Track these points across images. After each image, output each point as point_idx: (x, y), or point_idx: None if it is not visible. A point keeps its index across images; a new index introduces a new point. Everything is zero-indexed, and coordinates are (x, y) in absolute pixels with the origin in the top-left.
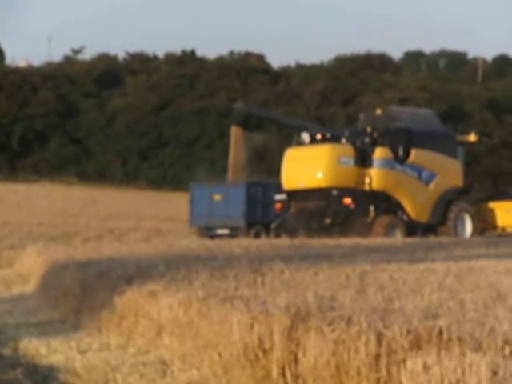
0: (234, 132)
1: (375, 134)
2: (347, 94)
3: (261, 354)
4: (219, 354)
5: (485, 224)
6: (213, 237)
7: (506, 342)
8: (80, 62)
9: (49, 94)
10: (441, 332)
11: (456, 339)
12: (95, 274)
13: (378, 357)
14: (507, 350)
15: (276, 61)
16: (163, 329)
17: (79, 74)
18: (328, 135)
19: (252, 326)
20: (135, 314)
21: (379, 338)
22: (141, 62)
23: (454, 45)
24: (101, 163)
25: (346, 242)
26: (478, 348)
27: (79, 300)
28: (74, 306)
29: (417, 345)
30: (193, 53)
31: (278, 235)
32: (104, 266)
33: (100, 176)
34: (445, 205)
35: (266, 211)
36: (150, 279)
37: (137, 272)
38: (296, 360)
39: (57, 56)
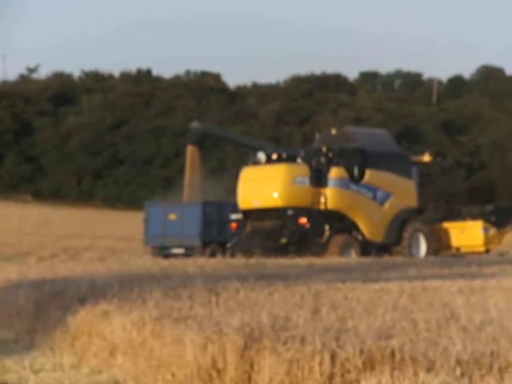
0: (190, 151)
1: (330, 154)
2: (303, 113)
3: (214, 374)
4: (173, 374)
5: (439, 244)
6: (168, 256)
7: (458, 362)
8: (35, 80)
9: (3, 113)
10: (393, 352)
11: (409, 359)
12: (49, 293)
13: (331, 376)
14: (459, 371)
15: (232, 80)
16: (116, 349)
17: (34, 93)
18: (284, 155)
19: (205, 346)
20: (88, 334)
21: (333, 357)
22: (96, 81)
23: (410, 65)
24: (56, 182)
25: (302, 261)
26: (430, 368)
27: (33, 319)
28: (27, 326)
29: (370, 365)
30: (149, 72)
31: (233, 255)
32: (58, 286)
33: (55, 195)
34: (399, 225)
35: (222, 230)
36: (104, 299)
37: (90, 291)
38: (250, 380)
39: (12, 75)
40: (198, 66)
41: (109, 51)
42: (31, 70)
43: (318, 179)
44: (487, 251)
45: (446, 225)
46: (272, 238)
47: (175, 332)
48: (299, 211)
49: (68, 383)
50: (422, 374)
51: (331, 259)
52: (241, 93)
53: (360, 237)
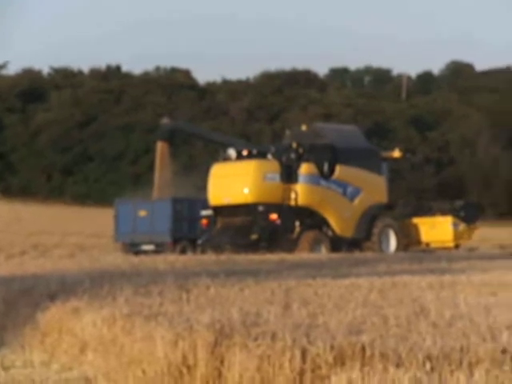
0: (160, 147)
1: (300, 150)
2: (273, 110)
3: (185, 371)
4: (143, 371)
5: (409, 239)
6: (138, 253)
7: (427, 357)
8: (4, 76)
9: None
10: (364, 348)
11: (379, 355)
12: (18, 290)
13: (302, 372)
14: (429, 366)
15: (202, 76)
16: (87, 345)
17: (3, 89)
18: (254, 151)
19: (176, 343)
20: (59, 331)
21: (304, 353)
22: (65, 77)
23: (379, 61)
24: (25, 178)
25: (272, 257)
26: (400, 364)
27: (2, 317)
28: None
29: (341, 360)
30: (118, 68)
31: (204, 251)
32: (27, 283)
33: (24, 191)
34: (369, 220)
35: (193, 227)
36: (74, 295)
37: (60, 288)
38: (220, 376)
39: None
40: (168, 62)
41: (78, 47)
42: (0, 67)
43: (289, 175)
44: (457, 247)
45: (416, 220)
46: (242, 234)
47: (146, 329)
48: (270, 207)
49: (38, 380)
50: (391, 370)
51: (302, 255)
52: (211, 89)
53: (330, 233)
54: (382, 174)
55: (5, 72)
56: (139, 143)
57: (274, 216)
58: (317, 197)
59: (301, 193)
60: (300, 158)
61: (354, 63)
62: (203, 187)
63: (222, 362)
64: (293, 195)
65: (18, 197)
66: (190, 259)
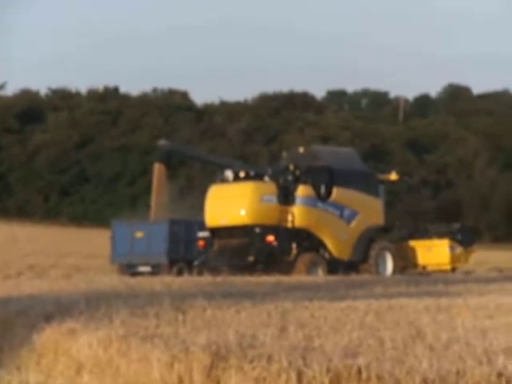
0: (157, 169)
1: (298, 172)
2: (270, 132)
3: None
4: None
5: (406, 262)
6: (134, 274)
7: (424, 380)
8: (2, 97)
9: None
10: (360, 370)
11: (375, 377)
12: (14, 311)
13: None
14: None
15: (200, 97)
16: (83, 367)
17: (1, 110)
18: (251, 173)
19: (172, 365)
20: (55, 352)
21: (299, 376)
22: (63, 98)
23: (377, 84)
24: (22, 199)
25: (269, 279)
26: None
27: None
28: None
29: (337, 383)
30: (116, 89)
31: (200, 273)
32: (23, 304)
33: (21, 212)
34: (366, 243)
35: (189, 248)
36: (70, 317)
37: (56, 309)
38: None
39: None
40: (165, 83)
41: (76, 68)
42: None
43: (286, 197)
44: (453, 270)
45: (413, 243)
46: (239, 255)
47: (142, 350)
48: (266, 229)
49: None
50: None
51: (298, 277)
52: (208, 110)
53: (327, 255)
54: (378, 196)
55: (3, 92)
56: (136, 165)
57: (270, 238)
58: (314, 219)
59: (298, 215)
60: (297, 180)
61: (352, 86)
62: (200, 209)
63: None
64: (290, 217)
65: (15, 217)
66: (186, 281)
